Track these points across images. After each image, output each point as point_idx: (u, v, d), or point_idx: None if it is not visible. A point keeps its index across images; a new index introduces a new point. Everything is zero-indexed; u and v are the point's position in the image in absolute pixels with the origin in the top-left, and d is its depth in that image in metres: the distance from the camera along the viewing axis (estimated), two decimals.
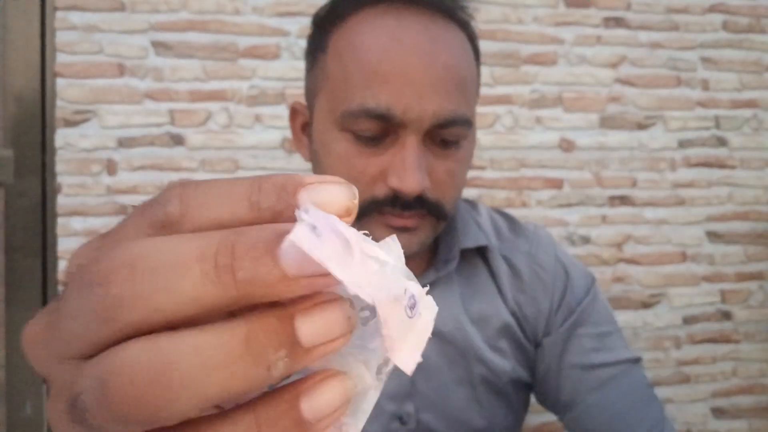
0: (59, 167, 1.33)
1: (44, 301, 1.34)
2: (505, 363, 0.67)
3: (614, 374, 0.64)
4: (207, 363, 0.15)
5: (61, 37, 1.34)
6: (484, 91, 1.46)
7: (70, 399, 0.16)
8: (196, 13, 1.37)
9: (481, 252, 0.69)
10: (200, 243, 0.15)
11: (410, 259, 0.67)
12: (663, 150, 1.53)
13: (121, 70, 1.35)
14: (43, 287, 1.34)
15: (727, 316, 1.55)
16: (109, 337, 0.16)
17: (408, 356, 0.15)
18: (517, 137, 1.47)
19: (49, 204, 1.34)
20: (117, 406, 0.15)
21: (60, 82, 1.33)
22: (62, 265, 1.33)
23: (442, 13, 0.60)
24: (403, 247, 0.59)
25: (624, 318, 1.49)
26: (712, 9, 1.56)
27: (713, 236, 1.55)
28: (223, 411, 0.17)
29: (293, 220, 0.15)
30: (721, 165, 1.56)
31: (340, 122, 0.57)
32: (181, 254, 0.15)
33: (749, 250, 1.57)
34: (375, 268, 0.15)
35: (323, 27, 0.62)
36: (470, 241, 0.67)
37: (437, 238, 0.68)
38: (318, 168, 0.62)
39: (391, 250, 0.17)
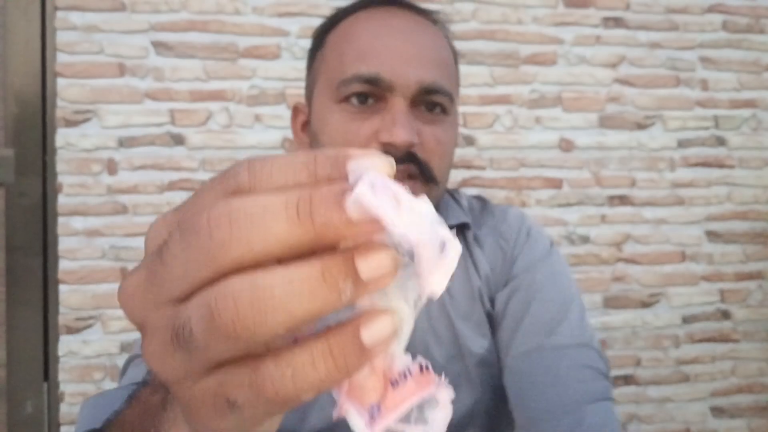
0: (60, 167, 1.34)
1: (45, 300, 1.34)
2: (483, 338, 0.69)
3: (539, 345, 0.64)
4: (295, 290, 0.19)
5: (62, 37, 1.34)
6: (484, 90, 1.46)
7: (173, 331, 0.20)
8: (196, 13, 1.37)
9: (462, 231, 0.73)
10: (284, 196, 0.19)
11: None
12: (662, 150, 1.54)
13: (122, 70, 1.35)
14: (44, 286, 1.35)
15: (726, 315, 1.55)
16: (211, 274, 0.19)
17: (437, 283, 0.20)
18: (516, 137, 1.48)
19: (49, 203, 1.34)
20: (223, 326, 0.19)
21: (60, 82, 1.34)
22: (63, 264, 1.33)
23: (424, 16, 0.70)
24: None
25: (623, 317, 1.50)
26: (712, 9, 1.57)
27: (712, 236, 1.55)
28: (301, 339, 0.21)
29: (336, 179, 0.20)
30: (720, 164, 1.57)
31: (335, 94, 0.64)
32: (270, 205, 0.19)
33: (748, 250, 1.57)
34: (417, 219, 0.19)
35: (321, 32, 0.71)
36: (452, 219, 0.72)
37: None
38: (318, 147, 0.67)
39: (425, 202, 0.21)
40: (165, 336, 0.21)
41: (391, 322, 0.20)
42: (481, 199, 0.79)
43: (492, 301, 0.71)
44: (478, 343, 0.69)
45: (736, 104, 1.58)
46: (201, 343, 0.20)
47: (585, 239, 1.47)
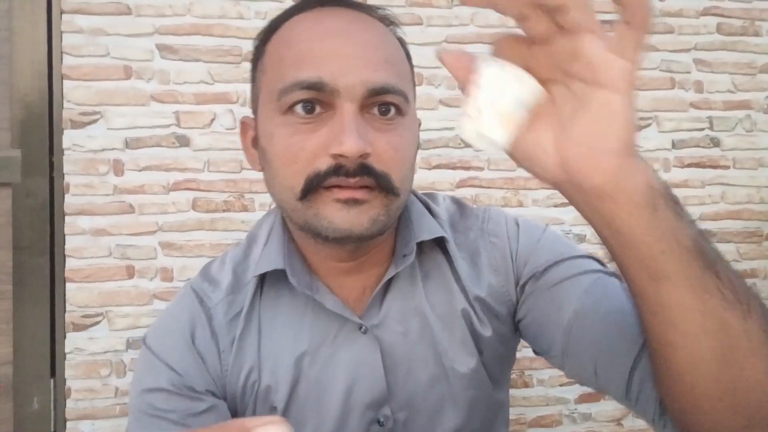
0: (67, 167, 1.36)
1: (51, 298, 1.37)
2: (469, 356, 0.66)
3: (593, 279, 0.62)
4: None
5: (68, 40, 1.36)
6: None
7: None
8: (200, 17, 1.40)
9: (440, 242, 0.69)
10: None
11: (372, 250, 0.66)
12: (657, 150, 1.57)
13: (128, 73, 1.38)
14: (51, 285, 1.37)
15: None
16: None
17: None
18: None
19: (56, 203, 1.37)
20: None
21: (67, 84, 1.36)
22: (69, 262, 1.36)
23: (368, 13, 0.64)
24: (354, 224, 0.58)
25: None
26: (706, 12, 1.59)
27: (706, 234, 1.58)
28: None
29: None
30: (714, 165, 1.59)
31: (278, 105, 0.59)
32: None
33: (742, 248, 1.60)
34: None
35: (261, 41, 0.66)
36: (426, 233, 0.67)
37: (396, 233, 0.68)
38: (267, 164, 0.62)
39: None
40: None
41: None
42: (458, 204, 0.75)
43: (502, 303, 0.68)
44: (463, 362, 0.66)
45: (730, 106, 1.60)
46: None
47: (581, 238, 1.49)
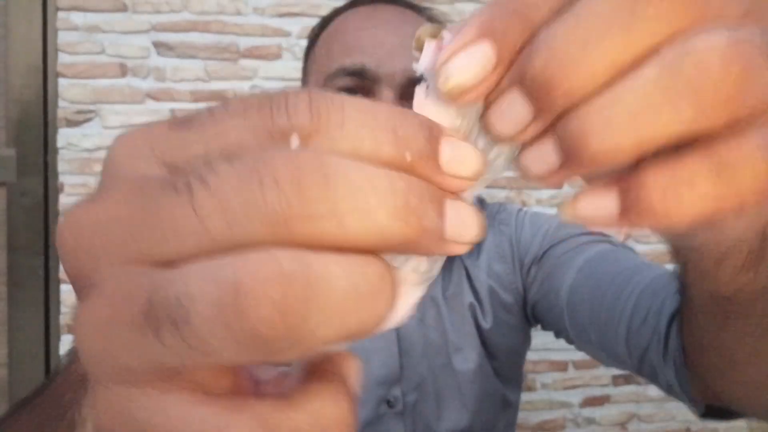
0: (61, 167, 1.34)
1: (46, 300, 1.35)
2: (472, 350, 0.69)
3: (592, 254, 0.62)
4: (355, 290, 0.13)
5: (63, 38, 1.35)
6: None
7: (148, 303, 0.13)
8: (197, 13, 1.38)
9: None
10: (391, 177, 0.14)
11: None
12: None
13: (123, 70, 1.36)
14: (46, 286, 1.35)
15: None
16: (261, 239, 0.13)
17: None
18: None
19: (51, 203, 1.35)
20: (247, 320, 0.12)
21: (62, 82, 1.34)
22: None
23: (415, 10, 0.70)
24: None
25: None
26: None
27: None
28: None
29: (430, 169, 0.16)
30: None
31: (324, 89, 0.63)
32: (376, 181, 0.14)
33: None
34: None
35: (314, 33, 0.72)
36: None
37: None
38: None
39: None
40: (129, 305, 0.14)
41: (477, 155, 0.17)
42: (480, 201, 0.80)
43: (509, 291, 0.70)
44: (467, 356, 0.69)
45: None
46: (195, 337, 0.13)
47: None
